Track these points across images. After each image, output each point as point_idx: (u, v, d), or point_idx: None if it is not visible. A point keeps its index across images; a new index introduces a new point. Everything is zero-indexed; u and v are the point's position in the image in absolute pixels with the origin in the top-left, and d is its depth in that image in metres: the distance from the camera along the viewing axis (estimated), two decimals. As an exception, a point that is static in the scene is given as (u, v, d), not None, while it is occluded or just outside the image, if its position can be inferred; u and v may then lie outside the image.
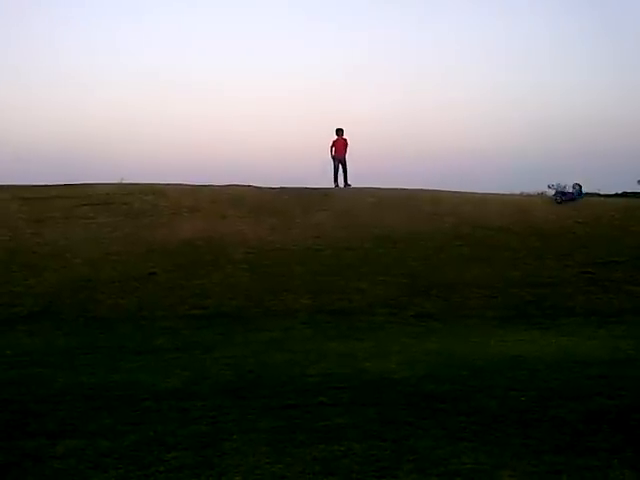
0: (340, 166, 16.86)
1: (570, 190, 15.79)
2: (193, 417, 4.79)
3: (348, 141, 16.94)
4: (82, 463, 3.86)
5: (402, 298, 10.37)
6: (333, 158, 16.81)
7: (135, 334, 8.84)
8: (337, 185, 16.99)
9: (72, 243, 12.51)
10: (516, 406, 5.11)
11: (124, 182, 16.67)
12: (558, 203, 15.42)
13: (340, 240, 12.65)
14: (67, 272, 11.34)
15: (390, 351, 7.33)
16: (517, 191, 21.97)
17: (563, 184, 16.02)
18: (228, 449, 4.06)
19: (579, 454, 4.04)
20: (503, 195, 16.63)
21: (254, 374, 6.31)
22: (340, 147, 16.79)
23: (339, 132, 16.81)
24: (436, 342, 8.08)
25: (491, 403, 5.20)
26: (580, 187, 15.96)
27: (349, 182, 16.95)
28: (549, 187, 16.88)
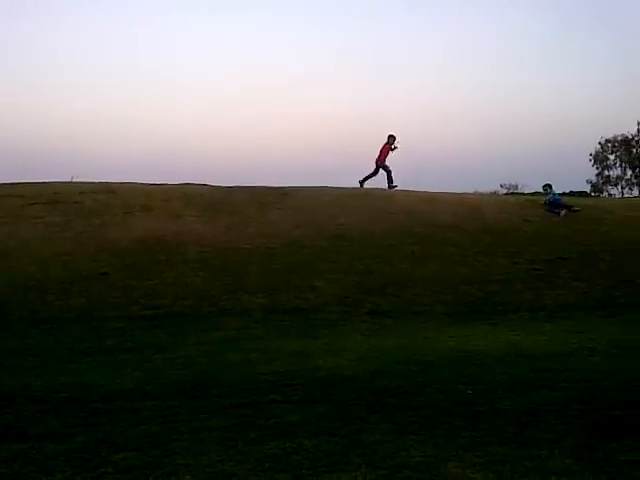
0: (380, 171, 17.01)
1: (550, 198, 15.19)
2: (143, 417, 4.74)
3: (391, 147, 16.99)
4: (27, 467, 3.78)
5: (356, 296, 10.48)
6: (376, 162, 16.99)
7: (86, 335, 8.67)
8: (362, 186, 17.18)
9: (21, 243, 12.17)
10: (464, 400, 5.24)
11: (75, 181, 16.30)
12: (559, 215, 14.56)
13: (295, 239, 12.68)
14: (16, 272, 11.03)
15: (343, 348, 7.40)
16: (470, 190, 22.43)
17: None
18: (178, 449, 4.04)
19: (522, 445, 4.18)
20: (456, 194, 16.96)
21: (206, 374, 6.28)
22: (382, 152, 16.95)
23: (389, 138, 16.84)
24: (388, 338, 8.20)
25: (440, 397, 5.31)
26: (550, 187, 15.57)
27: (394, 184, 17.09)
28: (501, 186, 17.09)
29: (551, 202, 14.98)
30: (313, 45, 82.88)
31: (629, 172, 59.88)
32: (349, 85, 77.44)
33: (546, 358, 6.84)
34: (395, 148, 16.88)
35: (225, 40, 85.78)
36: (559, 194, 16.12)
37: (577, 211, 14.60)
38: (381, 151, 16.92)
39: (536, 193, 27.70)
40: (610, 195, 56.73)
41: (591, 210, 14.98)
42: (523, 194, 31.49)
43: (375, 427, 4.46)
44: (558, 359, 6.80)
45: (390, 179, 17.06)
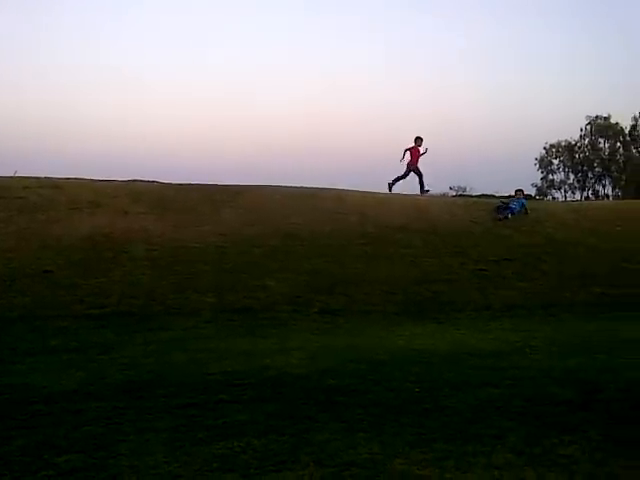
0: (411, 174, 16.90)
1: (512, 204, 14.87)
2: (87, 419, 4.63)
3: (421, 150, 16.88)
4: (-37, 472, 3.65)
5: (307, 295, 10.50)
6: (407, 165, 16.75)
7: (28, 335, 8.39)
8: (390, 190, 17.10)
9: (-42, 239, 11.68)
10: (411, 397, 5.33)
11: (18, 175, 15.73)
12: (499, 220, 14.46)
13: (247, 238, 12.61)
14: (-48, 270, 10.58)
15: (293, 347, 7.41)
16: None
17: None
18: (124, 450, 3.97)
19: (467, 441, 4.28)
20: (406, 195, 17.19)
21: (154, 374, 6.19)
22: (413, 155, 16.80)
23: (417, 140, 16.76)
24: (338, 337, 8.26)
25: (388, 395, 5.39)
26: (523, 195, 15.16)
27: (426, 188, 17.07)
28: (450, 188, 17.18)
29: (511, 211, 14.67)
30: (261, 48, 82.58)
31: (572, 176, 62.11)
32: (301, 84, 77.50)
33: (490, 356, 7.02)
34: (426, 151, 16.96)
35: (186, 37, 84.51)
36: (502, 197, 16.24)
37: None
38: (412, 154, 16.81)
39: (483, 195, 28.40)
40: (554, 198, 58.68)
41: (536, 213, 15.45)
42: (471, 196, 32.16)
43: (324, 426, 4.49)
44: (502, 357, 6.99)
45: (422, 183, 16.98)
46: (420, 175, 17.02)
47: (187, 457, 3.86)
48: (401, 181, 17.22)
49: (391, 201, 15.53)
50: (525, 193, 15.16)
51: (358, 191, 16.53)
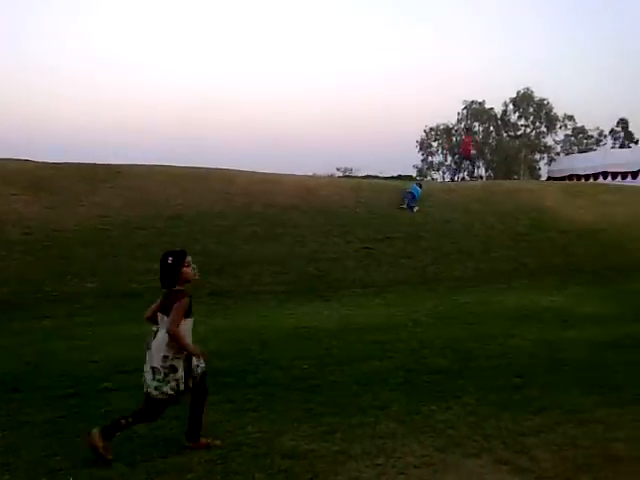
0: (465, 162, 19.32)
1: (409, 190, 15.06)
2: (-45, 417, 4.30)
3: (470, 139, 19.54)
4: None
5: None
6: (460, 154, 19.25)
7: None
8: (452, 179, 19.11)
9: None
10: (300, 374, 5.44)
11: None
12: (403, 207, 14.52)
13: (130, 219, 12.15)
14: None
15: (181, 331, 7.27)
16: (309, 172, 22.99)
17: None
18: (-1, 447, 3.74)
19: (353, 413, 4.45)
20: (294, 175, 17.30)
21: (32, 365, 5.85)
22: (467, 145, 19.20)
23: (467, 132, 18.10)
24: (228, 319, 8.22)
25: (277, 374, 5.46)
26: (420, 185, 15.29)
27: (474, 175, 19.39)
28: (337, 169, 17.48)
29: (412, 195, 14.87)
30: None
31: (449, 159, 65.40)
32: (180, 66, 75.25)
33: (375, 331, 7.31)
34: (476, 142, 19.40)
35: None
36: (386, 177, 16.69)
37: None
38: (465, 144, 19.13)
39: (368, 176, 29.20)
40: (433, 179, 61.52)
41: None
42: (357, 177, 32.97)
43: (213, 407, 4.46)
44: (385, 331, 7.30)
45: (473, 172, 19.90)
46: (473, 163, 20.41)
47: (69, 449, 3.70)
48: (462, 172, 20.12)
49: (279, 182, 15.56)
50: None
51: (246, 171, 16.41)
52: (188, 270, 3.80)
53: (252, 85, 76.72)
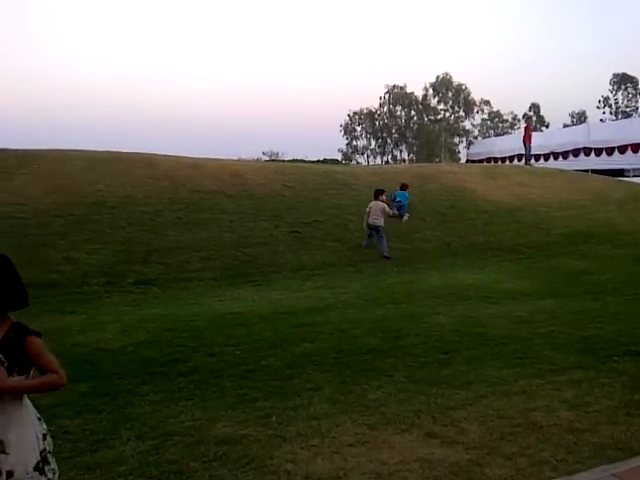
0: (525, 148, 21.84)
1: (398, 199, 14.19)
2: None
3: (528, 127, 22.91)
4: None
5: (120, 266, 10.01)
6: (523, 141, 21.64)
7: None
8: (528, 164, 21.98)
9: None
10: (232, 360, 5.41)
11: None
12: (395, 215, 13.49)
13: (47, 207, 11.60)
14: None
15: (106, 321, 7.06)
16: (234, 157, 22.68)
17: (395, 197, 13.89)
18: None
19: (287, 396, 4.48)
20: (219, 160, 17.02)
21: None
22: (527, 132, 21.93)
23: (528, 120, 19.44)
24: (156, 307, 8.03)
25: (209, 361, 5.41)
26: (404, 187, 14.48)
27: (530, 162, 22.31)
28: (263, 153, 17.05)
29: (400, 204, 14.09)
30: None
31: (373, 142, 66.31)
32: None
33: (306, 314, 7.36)
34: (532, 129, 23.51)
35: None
36: (312, 161, 16.29)
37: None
38: (526, 131, 22.01)
39: (294, 160, 29.20)
40: (358, 163, 62.26)
41: (342, 176, 16.26)
42: (283, 161, 32.90)
43: (144, 398, 4.39)
44: (316, 314, 7.36)
45: (529, 157, 22.38)
46: (529, 149, 22.09)
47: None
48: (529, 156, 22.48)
49: (204, 166, 15.27)
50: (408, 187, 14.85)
51: (170, 156, 16.01)
52: None
53: (176, 72, 74.82)
